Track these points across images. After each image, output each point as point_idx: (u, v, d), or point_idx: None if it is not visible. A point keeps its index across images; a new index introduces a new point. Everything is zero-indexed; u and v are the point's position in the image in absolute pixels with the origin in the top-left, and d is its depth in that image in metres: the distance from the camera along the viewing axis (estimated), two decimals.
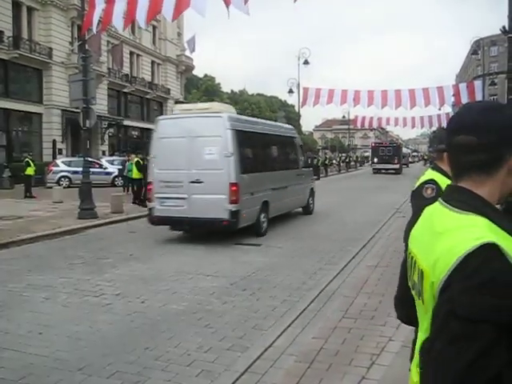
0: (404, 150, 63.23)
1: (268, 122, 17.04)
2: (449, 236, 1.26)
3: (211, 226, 11.59)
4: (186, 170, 11.39)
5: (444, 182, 3.18)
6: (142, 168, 18.98)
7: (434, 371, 1.19)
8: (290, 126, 17.62)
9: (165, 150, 11.64)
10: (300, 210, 16.18)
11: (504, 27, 11.37)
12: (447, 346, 1.15)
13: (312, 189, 16.90)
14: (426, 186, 3.21)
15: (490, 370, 1.09)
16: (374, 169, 49.44)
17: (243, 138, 11.86)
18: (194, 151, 11.29)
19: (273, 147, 14.80)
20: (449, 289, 1.20)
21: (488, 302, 1.12)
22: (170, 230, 12.44)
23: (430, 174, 3.41)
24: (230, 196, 11.02)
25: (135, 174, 19.26)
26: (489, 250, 1.16)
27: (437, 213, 1.39)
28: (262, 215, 12.40)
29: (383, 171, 46.58)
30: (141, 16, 10.45)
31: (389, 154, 47.66)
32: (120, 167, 26.62)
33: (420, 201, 3.14)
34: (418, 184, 3.40)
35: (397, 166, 47.17)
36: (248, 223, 11.77)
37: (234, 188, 11.05)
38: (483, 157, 1.32)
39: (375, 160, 49.92)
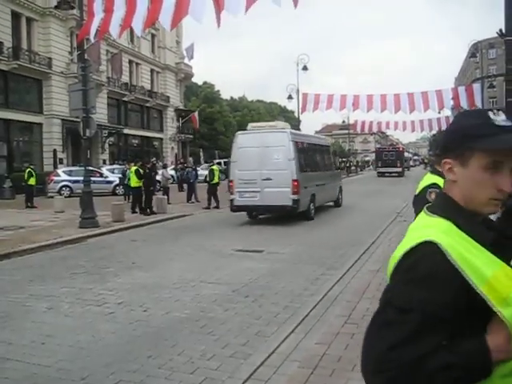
0: (405, 154, 64.85)
1: (312, 134, 23.82)
2: (407, 236, 1.40)
3: (278, 210, 15.88)
4: (259, 170, 15.46)
5: None
6: (143, 175, 18.96)
7: (364, 350, 1.32)
8: (325, 137, 24.87)
9: (243, 156, 15.77)
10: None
11: (501, 30, 11.37)
12: (378, 330, 1.30)
13: (340, 187, 21.26)
14: (430, 190, 3.24)
15: (410, 356, 1.22)
16: (378, 172, 51.12)
17: (299, 147, 16.19)
18: (265, 157, 15.40)
19: (317, 154, 19.22)
20: (391, 281, 1.36)
21: (419, 295, 1.25)
22: (246, 216, 16.89)
23: (431, 178, 3.42)
24: (293, 189, 15.18)
25: (134, 183, 19.17)
26: (427, 248, 1.29)
27: (419, 217, 1.51)
28: (311, 204, 16.48)
29: (387, 174, 48.36)
30: (137, 24, 10.47)
31: (392, 158, 49.71)
32: (120, 176, 26.65)
33: (424, 206, 3.15)
34: (420, 189, 3.41)
35: (399, 170, 49.15)
36: (303, 209, 15.80)
37: (296, 183, 15.24)
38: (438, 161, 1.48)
39: (379, 164, 51.86)
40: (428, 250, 1.29)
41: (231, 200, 16.08)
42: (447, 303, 1.24)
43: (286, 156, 15.22)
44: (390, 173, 48.48)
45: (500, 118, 1.36)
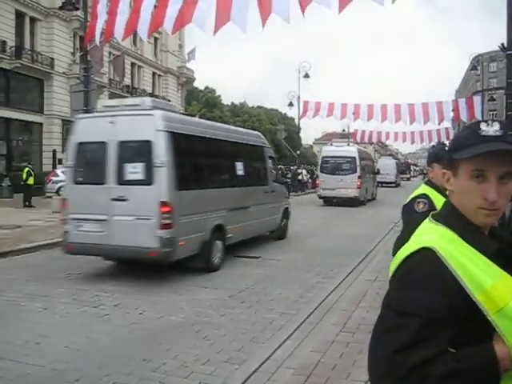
0: (412, 166, 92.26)
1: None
2: (410, 241, 1.44)
3: None
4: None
5: (436, 196, 3.24)
6: None
7: (370, 354, 1.37)
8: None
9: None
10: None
11: (503, 44, 11.40)
12: (382, 334, 1.35)
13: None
14: (418, 200, 3.29)
15: (415, 359, 1.24)
16: None
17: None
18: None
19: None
20: (390, 285, 1.41)
21: (415, 298, 1.29)
22: None
23: (423, 188, 3.48)
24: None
25: None
26: (424, 254, 1.34)
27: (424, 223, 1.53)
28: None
29: None
30: (143, 29, 10.50)
31: (404, 169, 69.03)
32: None
33: (411, 215, 3.20)
34: (409, 198, 3.46)
35: (408, 176, 69.42)
36: None
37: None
38: None
39: None
40: (425, 256, 1.34)
41: None
42: (444, 306, 1.27)
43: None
44: (402, 178, 61.66)
45: (490, 129, 1.37)
